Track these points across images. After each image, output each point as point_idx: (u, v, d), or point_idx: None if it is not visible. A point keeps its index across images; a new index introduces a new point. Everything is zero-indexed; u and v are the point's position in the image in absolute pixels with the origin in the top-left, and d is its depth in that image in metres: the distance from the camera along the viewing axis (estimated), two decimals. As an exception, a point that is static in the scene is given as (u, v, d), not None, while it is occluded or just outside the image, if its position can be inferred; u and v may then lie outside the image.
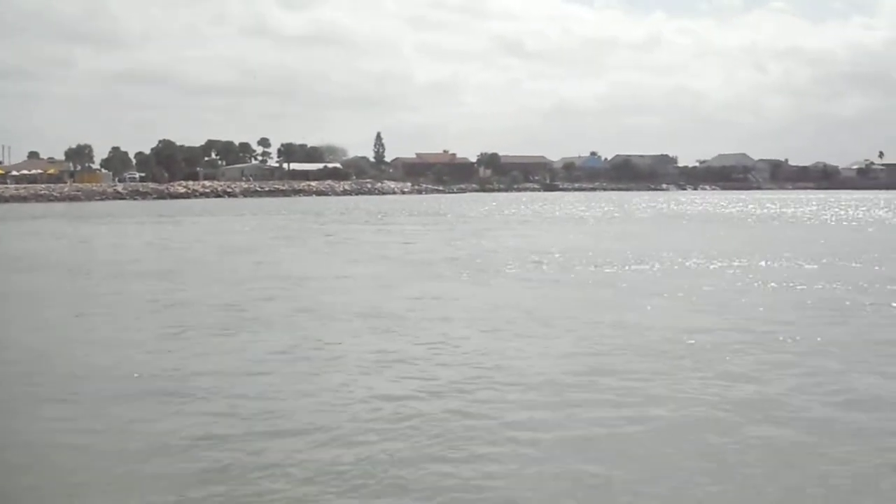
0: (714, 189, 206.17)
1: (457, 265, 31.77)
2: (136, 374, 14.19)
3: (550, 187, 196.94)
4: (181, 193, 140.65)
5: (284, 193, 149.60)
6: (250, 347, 16.45)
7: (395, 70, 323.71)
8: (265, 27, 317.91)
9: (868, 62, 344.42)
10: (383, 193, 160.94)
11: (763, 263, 31.88)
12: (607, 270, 29.84)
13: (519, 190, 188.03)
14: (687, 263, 32.21)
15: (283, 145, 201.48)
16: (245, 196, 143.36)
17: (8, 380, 14.19)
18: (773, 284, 25.54)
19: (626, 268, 30.78)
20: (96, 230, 58.03)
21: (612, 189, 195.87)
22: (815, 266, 30.94)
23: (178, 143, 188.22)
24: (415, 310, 20.86)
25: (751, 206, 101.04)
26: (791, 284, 25.53)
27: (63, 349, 16.54)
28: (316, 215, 78.19)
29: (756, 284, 25.65)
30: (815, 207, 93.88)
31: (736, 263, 31.91)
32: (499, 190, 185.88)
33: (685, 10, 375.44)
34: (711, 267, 30.99)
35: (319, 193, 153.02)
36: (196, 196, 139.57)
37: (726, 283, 25.90)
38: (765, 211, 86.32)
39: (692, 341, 16.56)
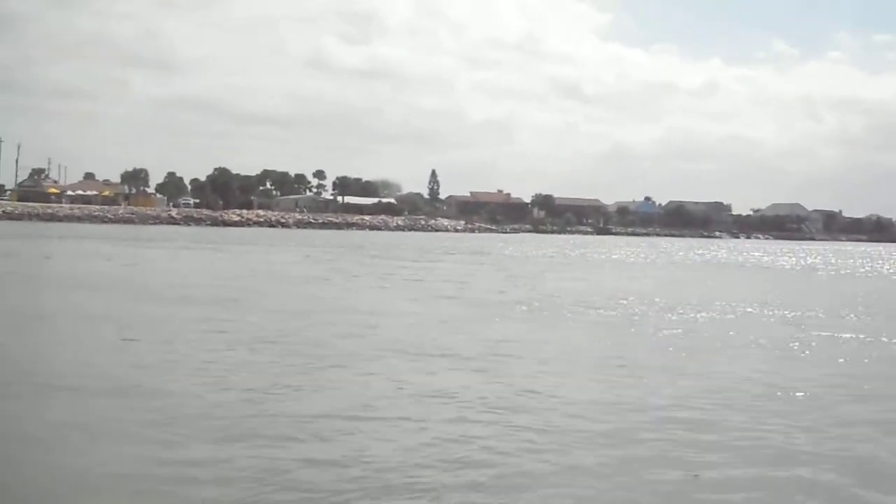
0: (767, 238, 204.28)
1: (522, 307, 30.83)
2: (225, 415, 13.17)
3: (604, 231, 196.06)
4: (235, 221, 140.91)
5: (337, 226, 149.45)
6: (348, 387, 15.45)
7: (451, 107, 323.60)
8: (322, 60, 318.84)
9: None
10: (436, 230, 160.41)
11: (834, 318, 30.78)
12: (672, 317, 28.80)
13: (572, 232, 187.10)
14: (752, 312, 31.16)
15: (338, 178, 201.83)
16: (298, 227, 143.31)
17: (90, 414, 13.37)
18: (849, 336, 24.42)
19: (694, 315, 29.73)
20: (155, 254, 57.63)
21: (666, 235, 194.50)
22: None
23: (234, 172, 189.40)
24: (495, 352, 19.85)
25: (816, 258, 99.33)
26: (869, 338, 24.43)
27: (136, 375, 15.76)
28: (371, 250, 77.50)
29: (833, 337, 24.55)
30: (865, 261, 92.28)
31: (808, 314, 30.84)
32: (552, 231, 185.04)
33: (742, 58, 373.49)
34: (780, 316, 29.93)
35: (373, 228, 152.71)
36: (249, 225, 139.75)
37: (800, 334, 24.79)
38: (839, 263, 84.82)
39: (791, 393, 15.58)
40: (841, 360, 20.58)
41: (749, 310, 32.56)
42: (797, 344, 23.14)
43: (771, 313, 31.74)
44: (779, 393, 16.08)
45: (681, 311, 30.83)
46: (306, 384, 15.69)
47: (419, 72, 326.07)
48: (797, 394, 16.06)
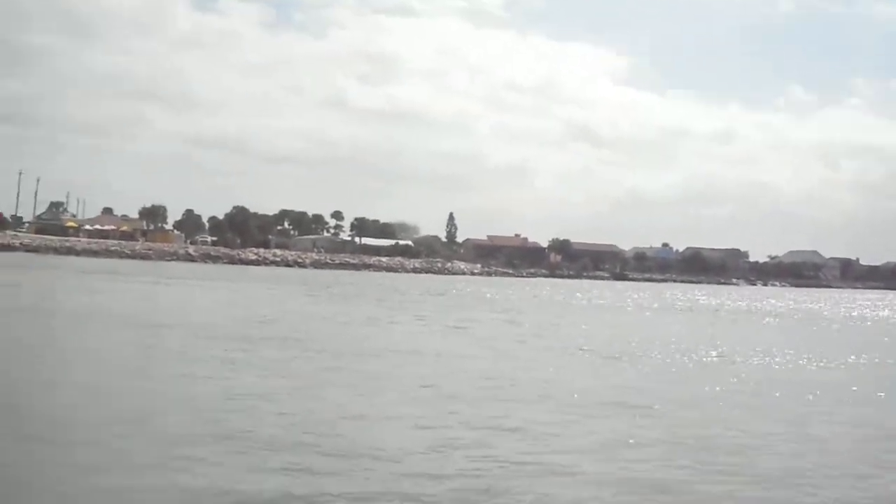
0: (784, 286, 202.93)
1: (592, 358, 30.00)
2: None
3: (620, 276, 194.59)
4: (252, 260, 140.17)
5: (354, 267, 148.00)
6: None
7: (469, 150, 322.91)
8: (342, 100, 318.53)
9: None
10: (453, 273, 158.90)
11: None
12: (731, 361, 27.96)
13: (588, 277, 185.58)
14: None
15: (356, 219, 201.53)
16: (315, 267, 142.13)
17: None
18: None
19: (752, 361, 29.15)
20: (192, 291, 56.77)
21: (683, 281, 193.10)
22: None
23: (252, 211, 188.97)
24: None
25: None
26: None
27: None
28: (393, 293, 76.60)
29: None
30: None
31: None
32: (568, 276, 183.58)
33: (760, 104, 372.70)
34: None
35: (389, 269, 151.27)
36: (266, 264, 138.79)
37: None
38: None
39: None
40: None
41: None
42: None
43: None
44: None
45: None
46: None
47: (439, 114, 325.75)
48: None
